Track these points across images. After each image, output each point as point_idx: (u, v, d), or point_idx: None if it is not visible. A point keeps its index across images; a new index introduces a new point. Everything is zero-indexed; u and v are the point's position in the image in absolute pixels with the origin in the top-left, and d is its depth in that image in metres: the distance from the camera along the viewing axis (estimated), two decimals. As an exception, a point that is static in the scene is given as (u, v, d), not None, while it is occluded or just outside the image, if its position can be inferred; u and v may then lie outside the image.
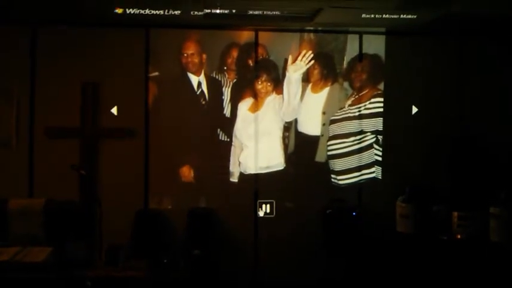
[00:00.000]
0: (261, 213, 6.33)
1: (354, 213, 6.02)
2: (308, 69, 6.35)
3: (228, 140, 6.35)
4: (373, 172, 6.49)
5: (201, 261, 5.74)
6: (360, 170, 6.47)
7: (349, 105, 6.46)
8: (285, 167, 6.39)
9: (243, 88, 6.35)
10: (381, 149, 6.50)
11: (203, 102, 6.33)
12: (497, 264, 4.55)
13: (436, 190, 5.88)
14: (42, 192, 5.46)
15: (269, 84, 6.33)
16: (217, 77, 6.33)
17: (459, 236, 4.95)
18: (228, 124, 6.33)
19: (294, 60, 6.28)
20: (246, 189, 6.32)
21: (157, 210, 6.14)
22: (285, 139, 6.42)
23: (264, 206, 6.32)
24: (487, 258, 4.58)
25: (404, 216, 5.18)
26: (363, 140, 6.49)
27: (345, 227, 5.95)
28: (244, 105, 6.35)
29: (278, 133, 6.39)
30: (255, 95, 6.34)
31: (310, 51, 6.30)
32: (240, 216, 6.27)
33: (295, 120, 6.41)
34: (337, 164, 6.45)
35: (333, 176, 6.45)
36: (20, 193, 5.63)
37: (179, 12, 5.59)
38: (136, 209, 6.06)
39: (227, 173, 6.33)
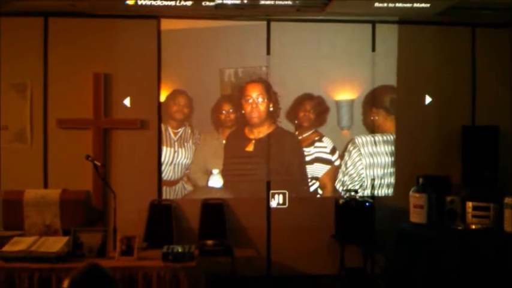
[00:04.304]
0: (273, 204, 6.33)
1: (367, 204, 6.00)
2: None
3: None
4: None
5: (214, 251, 5.78)
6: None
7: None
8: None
9: (255, 79, 6.35)
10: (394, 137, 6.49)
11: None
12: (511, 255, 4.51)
13: (450, 180, 5.85)
14: (57, 183, 5.51)
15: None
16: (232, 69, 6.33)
17: (474, 227, 4.93)
18: (240, 113, 6.34)
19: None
20: (259, 180, 6.32)
21: (170, 201, 6.18)
22: (297, 130, 6.44)
23: (276, 196, 6.33)
24: (502, 249, 4.55)
25: (418, 206, 5.16)
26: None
27: (358, 217, 5.93)
28: (255, 93, 6.35)
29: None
30: (267, 86, 6.35)
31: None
32: (252, 207, 6.28)
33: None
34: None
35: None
36: (36, 184, 5.69)
37: (191, 3, 5.60)
38: (149, 200, 6.11)
39: (239, 163, 6.33)
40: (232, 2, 5.67)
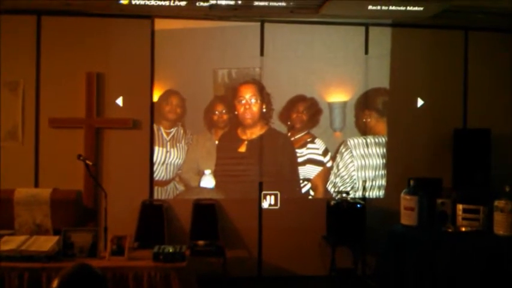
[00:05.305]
0: (265, 205, 6.34)
1: (359, 205, 6.02)
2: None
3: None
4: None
5: (206, 252, 5.78)
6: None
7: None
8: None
9: (249, 80, 6.36)
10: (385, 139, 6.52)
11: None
12: (501, 258, 4.53)
13: (441, 183, 5.87)
14: (48, 182, 5.51)
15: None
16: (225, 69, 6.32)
17: (464, 229, 4.95)
18: (233, 114, 6.35)
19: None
20: (251, 181, 6.33)
21: (162, 201, 6.17)
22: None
23: (268, 197, 6.34)
24: (491, 251, 4.57)
25: (409, 208, 5.17)
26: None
27: (349, 219, 5.95)
28: (248, 94, 6.35)
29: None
30: (261, 87, 6.36)
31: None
32: (244, 208, 6.29)
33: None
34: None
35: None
36: (26, 183, 5.68)
37: (185, 3, 5.59)
38: (141, 199, 6.10)
39: (232, 164, 6.33)
40: (226, 2, 5.67)
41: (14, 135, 6.03)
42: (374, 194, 6.48)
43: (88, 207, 5.42)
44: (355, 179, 6.44)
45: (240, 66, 6.33)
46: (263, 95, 6.35)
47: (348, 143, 6.44)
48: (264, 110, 6.36)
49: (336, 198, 6.19)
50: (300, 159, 6.40)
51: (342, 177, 6.44)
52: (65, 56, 6.06)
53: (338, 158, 6.43)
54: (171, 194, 6.24)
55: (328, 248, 6.18)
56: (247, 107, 6.35)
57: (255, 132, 6.36)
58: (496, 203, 4.71)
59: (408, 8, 5.67)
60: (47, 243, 4.01)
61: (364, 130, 6.49)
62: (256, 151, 6.34)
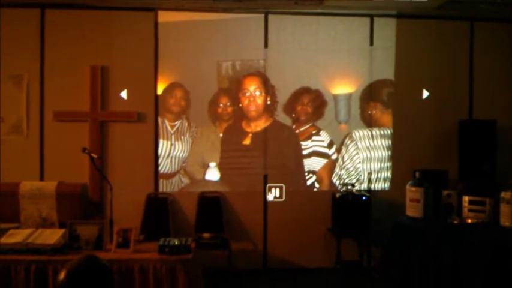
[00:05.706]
0: (270, 197, 6.34)
1: (364, 198, 6.01)
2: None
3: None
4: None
5: (211, 244, 5.79)
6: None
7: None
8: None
9: (253, 72, 6.34)
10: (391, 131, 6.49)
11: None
12: (507, 249, 4.52)
13: (447, 175, 5.85)
14: (53, 175, 5.52)
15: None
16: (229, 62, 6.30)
17: (470, 221, 4.93)
18: (237, 107, 6.33)
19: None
20: (256, 173, 6.32)
21: (167, 194, 6.17)
22: (294, 123, 6.43)
23: (273, 189, 6.33)
24: (497, 243, 4.56)
25: (414, 200, 5.16)
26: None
27: (355, 211, 5.94)
28: (253, 86, 6.33)
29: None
30: (265, 79, 6.33)
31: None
32: (249, 200, 6.28)
33: (305, 105, 6.42)
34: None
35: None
36: (32, 176, 5.70)
37: (189, -6, 5.59)
38: (146, 192, 6.10)
39: (236, 156, 6.32)
40: (230, -6, 5.66)
41: (19, 129, 6.04)
42: (379, 186, 6.46)
43: (93, 200, 5.43)
44: (360, 171, 6.43)
45: (244, 59, 6.31)
46: (267, 87, 6.33)
47: (353, 135, 6.42)
48: (269, 103, 6.35)
49: (341, 190, 6.18)
50: (304, 152, 6.39)
51: (347, 169, 6.42)
52: (69, 49, 6.05)
53: (343, 150, 6.42)
54: (176, 187, 6.24)
55: (333, 240, 6.18)
56: (251, 99, 6.33)
57: (260, 125, 6.35)
58: (503, 194, 4.70)
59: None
60: (52, 236, 4.02)
61: (369, 122, 6.46)
62: (261, 144, 6.32)
